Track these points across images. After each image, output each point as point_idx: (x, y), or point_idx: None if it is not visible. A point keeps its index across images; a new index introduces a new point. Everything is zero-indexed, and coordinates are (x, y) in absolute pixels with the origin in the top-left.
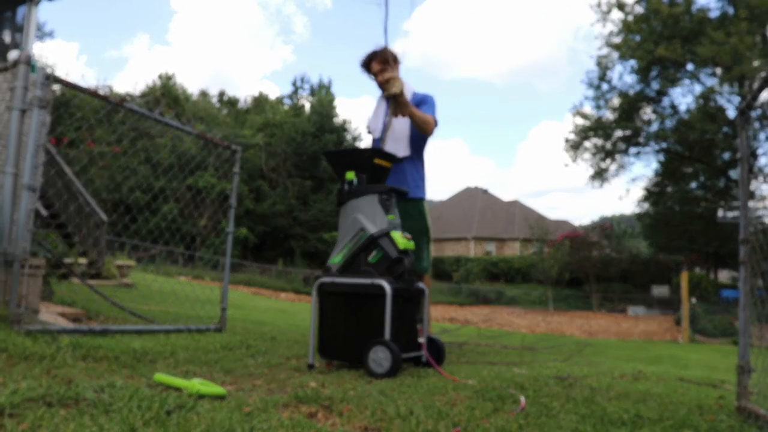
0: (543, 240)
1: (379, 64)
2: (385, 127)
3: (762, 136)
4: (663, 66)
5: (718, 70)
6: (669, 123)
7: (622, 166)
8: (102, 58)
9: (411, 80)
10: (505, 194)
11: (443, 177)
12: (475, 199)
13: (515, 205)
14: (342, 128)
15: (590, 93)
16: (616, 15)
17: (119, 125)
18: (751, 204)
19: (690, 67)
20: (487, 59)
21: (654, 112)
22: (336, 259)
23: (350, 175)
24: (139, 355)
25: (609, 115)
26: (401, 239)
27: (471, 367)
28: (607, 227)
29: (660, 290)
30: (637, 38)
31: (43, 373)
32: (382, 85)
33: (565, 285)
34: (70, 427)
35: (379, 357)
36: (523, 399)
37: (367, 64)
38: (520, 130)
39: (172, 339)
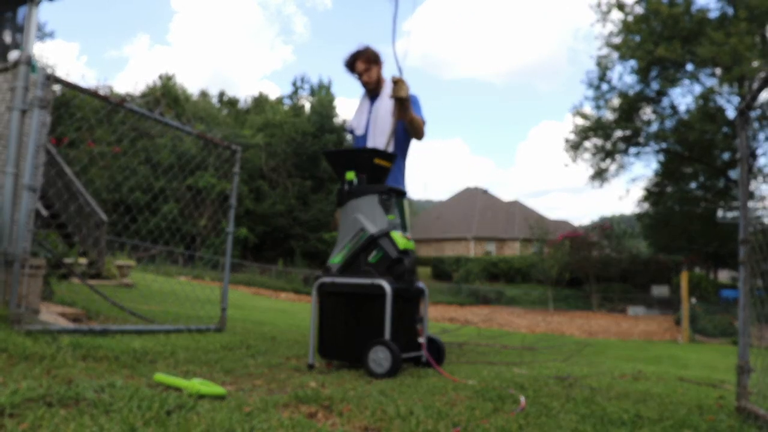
0: (543, 240)
1: (364, 63)
2: (371, 123)
3: (761, 136)
4: (663, 66)
5: (718, 71)
6: (669, 123)
7: (622, 166)
8: (102, 58)
9: (411, 80)
10: (505, 194)
11: (443, 177)
12: (475, 199)
13: (515, 205)
14: (342, 128)
15: (590, 93)
16: (616, 15)
17: (119, 125)
18: (750, 204)
19: (690, 67)
20: (487, 59)
21: (654, 112)
22: (336, 259)
23: (350, 175)
24: (139, 355)
25: (609, 116)
26: (401, 239)
27: (471, 367)
28: (607, 227)
29: (660, 290)
30: (637, 38)
31: (43, 373)
32: (367, 84)
33: (565, 285)
34: (70, 427)
35: (379, 357)
36: (523, 399)
37: (351, 63)
38: (520, 130)
39: (172, 339)
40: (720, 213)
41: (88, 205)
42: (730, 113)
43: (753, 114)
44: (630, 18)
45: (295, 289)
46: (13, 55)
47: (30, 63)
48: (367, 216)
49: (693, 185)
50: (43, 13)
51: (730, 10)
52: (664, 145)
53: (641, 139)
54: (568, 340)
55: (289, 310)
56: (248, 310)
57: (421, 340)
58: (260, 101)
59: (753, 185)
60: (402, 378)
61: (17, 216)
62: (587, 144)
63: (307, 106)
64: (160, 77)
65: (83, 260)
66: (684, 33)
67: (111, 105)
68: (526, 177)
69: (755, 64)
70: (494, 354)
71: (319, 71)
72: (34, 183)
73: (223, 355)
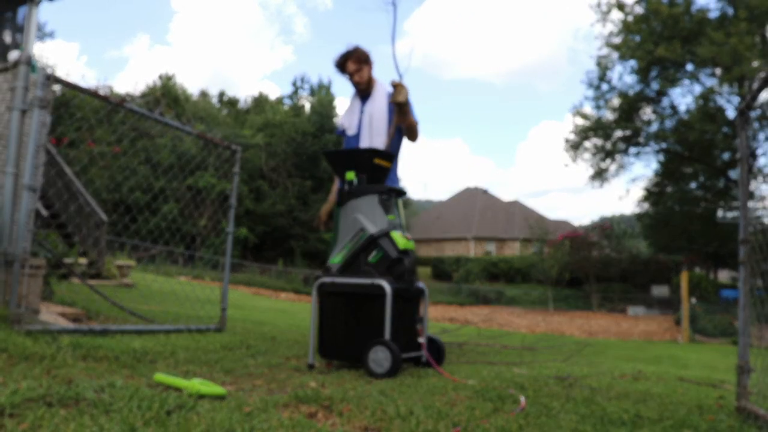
0: (543, 240)
1: (355, 63)
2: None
3: (761, 136)
4: (663, 66)
5: (718, 71)
6: (669, 123)
7: (622, 166)
8: (102, 58)
9: (411, 80)
10: (505, 194)
11: (443, 177)
12: (475, 199)
13: (515, 205)
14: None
15: (590, 93)
16: (616, 15)
17: (119, 125)
18: (750, 204)
19: (690, 67)
20: (487, 59)
21: (654, 112)
22: (336, 259)
23: (350, 175)
24: (139, 355)
25: (609, 116)
26: (401, 239)
27: (471, 367)
28: (607, 227)
29: (660, 290)
30: (637, 38)
31: (43, 373)
32: (358, 84)
33: (565, 285)
34: (70, 427)
35: (379, 357)
36: (523, 399)
37: (342, 64)
38: (520, 130)
39: (172, 339)
40: (720, 213)
41: (88, 205)
42: (730, 113)
43: (753, 114)
44: (630, 18)
45: (295, 289)
46: (13, 55)
47: (30, 63)
48: (367, 216)
49: (693, 185)
50: (43, 13)
51: (730, 10)
52: (664, 145)
53: (641, 139)
54: (568, 340)
55: (289, 310)
56: (248, 310)
57: (421, 340)
58: (260, 101)
59: (753, 185)
60: (402, 378)
61: (17, 216)
62: (587, 144)
63: (307, 106)
64: (160, 77)
65: (83, 260)
66: (684, 33)
67: (111, 105)
68: (526, 177)
69: (755, 64)
70: (494, 354)
71: (319, 71)
72: (34, 183)
73: (223, 355)
